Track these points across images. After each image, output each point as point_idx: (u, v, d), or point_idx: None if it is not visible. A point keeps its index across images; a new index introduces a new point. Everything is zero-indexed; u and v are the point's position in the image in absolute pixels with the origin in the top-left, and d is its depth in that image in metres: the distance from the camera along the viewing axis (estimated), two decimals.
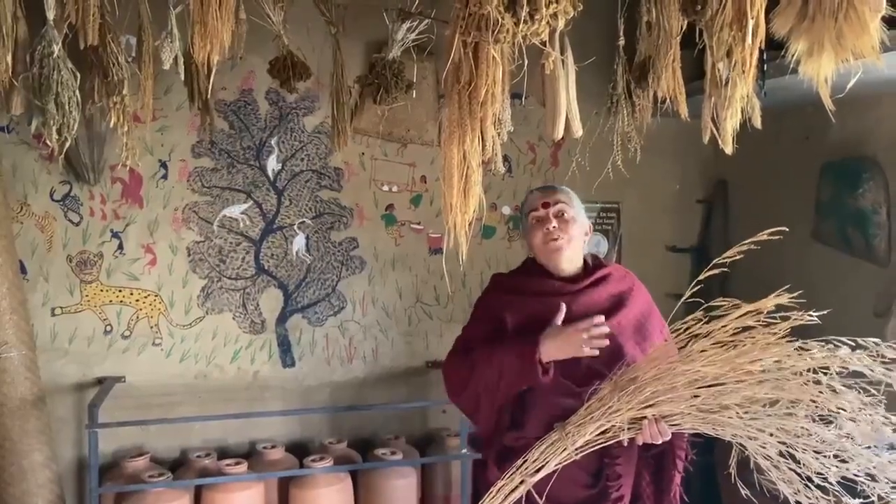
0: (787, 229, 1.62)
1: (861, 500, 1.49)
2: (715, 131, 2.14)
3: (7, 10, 2.03)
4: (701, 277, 1.69)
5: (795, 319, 1.55)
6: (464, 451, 3.15)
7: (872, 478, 1.49)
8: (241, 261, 3.31)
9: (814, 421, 1.53)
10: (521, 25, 1.37)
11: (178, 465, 3.18)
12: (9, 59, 2.03)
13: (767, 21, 1.59)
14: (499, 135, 2.13)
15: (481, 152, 1.66)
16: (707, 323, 1.67)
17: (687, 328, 1.70)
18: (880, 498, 1.48)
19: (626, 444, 1.74)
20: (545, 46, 1.48)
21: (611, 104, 2.84)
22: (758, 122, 2.18)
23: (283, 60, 2.66)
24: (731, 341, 1.63)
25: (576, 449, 1.69)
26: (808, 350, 1.52)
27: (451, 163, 1.63)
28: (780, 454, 1.56)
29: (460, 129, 1.62)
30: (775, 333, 1.57)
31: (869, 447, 1.48)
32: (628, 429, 1.70)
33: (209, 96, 2.67)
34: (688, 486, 1.96)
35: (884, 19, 1.47)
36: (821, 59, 1.51)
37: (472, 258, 3.19)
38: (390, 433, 3.40)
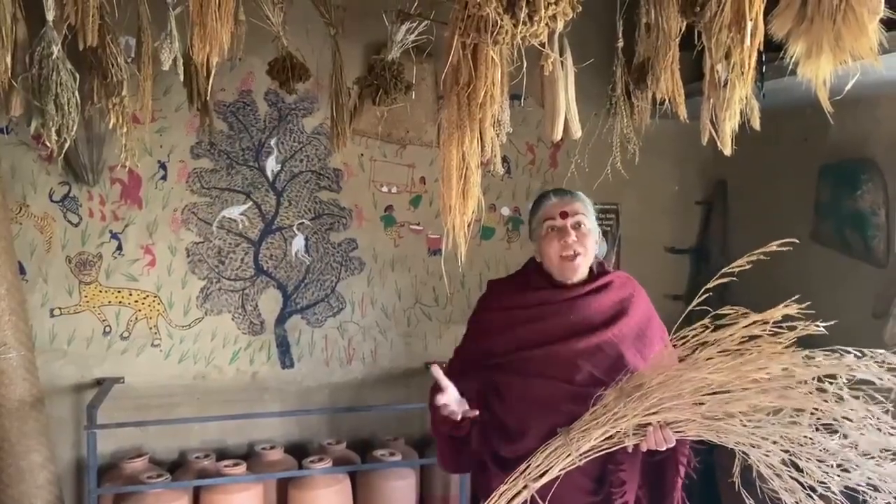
0: (797, 241, 1.62)
1: None
2: (714, 133, 2.14)
3: (6, 11, 2.03)
4: (710, 285, 1.69)
5: (802, 329, 1.54)
6: None
7: (875, 488, 1.48)
8: (240, 262, 3.31)
9: (817, 430, 1.52)
10: (519, 27, 1.37)
11: (176, 466, 3.18)
12: (8, 59, 2.03)
13: (766, 23, 1.59)
14: (498, 136, 2.14)
15: (480, 153, 1.66)
16: (714, 331, 1.66)
17: (694, 335, 1.70)
18: None
19: (630, 450, 1.73)
20: (544, 48, 1.48)
21: (610, 105, 2.84)
22: (756, 124, 2.19)
23: (283, 62, 2.66)
24: (738, 349, 1.62)
25: (580, 455, 1.69)
26: (813, 359, 1.52)
27: (450, 164, 1.63)
28: (783, 462, 1.56)
29: (459, 130, 1.61)
30: (781, 342, 1.57)
31: (873, 458, 1.47)
32: (633, 435, 1.70)
33: (208, 97, 2.67)
34: (689, 487, 1.96)
35: (882, 21, 1.47)
36: (819, 60, 1.51)
37: (471, 259, 3.19)
38: (389, 434, 3.40)
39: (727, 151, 2.09)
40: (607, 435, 1.69)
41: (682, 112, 2.47)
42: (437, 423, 1.99)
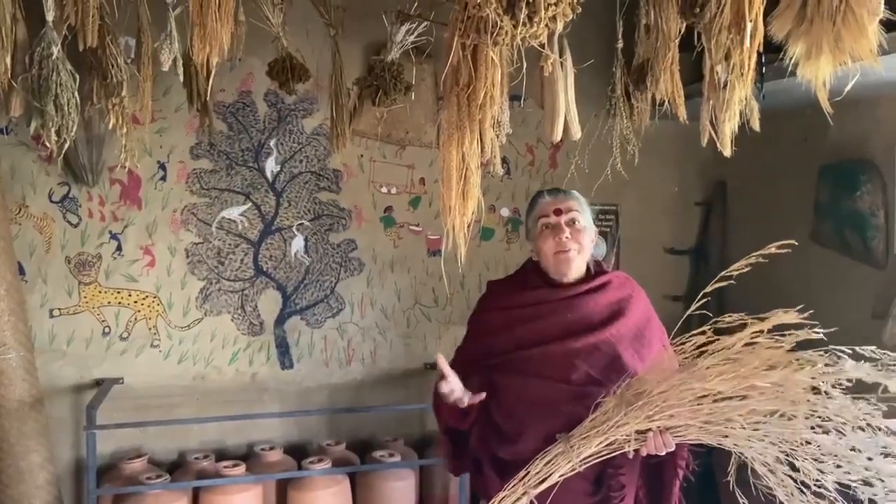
0: (796, 243, 1.62)
1: None
2: (713, 134, 2.14)
3: (6, 11, 2.03)
4: (708, 289, 1.69)
5: (801, 334, 1.54)
6: None
7: (867, 483, 1.48)
8: (239, 262, 3.31)
9: (812, 429, 1.52)
10: (519, 28, 1.37)
11: (176, 467, 3.18)
12: (8, 60, 2.03)
13: (766, 24, 1.59)
14: (497, 137, 2.13)
15: (480, 154, 1.66)
16: (714, 336, 1.66)
17: (693, 343, 1.69)
18: (871, 503, 1.48)
19: (630, 455, 1.72)
20: (544, 49, 1.48)
21: (609, 106, 2.84)
22: (756, 125, 2.19)
23: (282, 62, 2.66)
24: (738, 357, 1.62)
25: (580, 461, 1.69)
26: (814, 364, 1.52)
27: (449, 165, 1.63)
28: (778, 460, 1.56)
29: (459, 130, 1.61)
30: (781, 347, 1.57)
31: (870, 458, 1.47)
32: (633, 440, 1.69)
33: (208, 98, 2.67)
34: (687, 489, 1.96)
35: (881, 22, 1.47)
36: (819, 61, 1.51)
37: (470, 260, 3.19)
38: (388, 435, 3.40)
39: (727, 152, 2.08)
40: (608, 441, 1.69)
41: (682, 113, 2.47)
42: (443, 415, 1.98)
